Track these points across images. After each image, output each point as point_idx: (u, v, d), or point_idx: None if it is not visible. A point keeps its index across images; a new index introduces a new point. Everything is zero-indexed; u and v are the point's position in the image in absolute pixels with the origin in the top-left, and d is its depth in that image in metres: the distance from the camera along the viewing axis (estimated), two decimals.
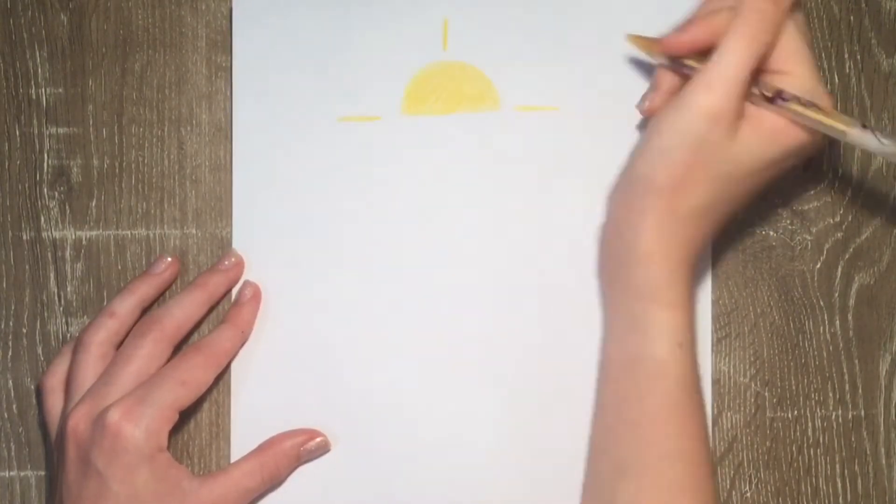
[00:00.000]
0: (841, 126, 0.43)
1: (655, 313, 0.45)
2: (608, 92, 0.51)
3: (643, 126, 0.50)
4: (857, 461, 0.50)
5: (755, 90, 0.44)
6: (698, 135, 0.43)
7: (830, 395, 0.51)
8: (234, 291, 0.51)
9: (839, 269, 0.51)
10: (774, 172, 0.45)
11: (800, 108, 0.43)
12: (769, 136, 0.44)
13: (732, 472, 0.51)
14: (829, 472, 0.50)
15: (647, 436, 0.44)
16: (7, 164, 0.52)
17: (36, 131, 0.52)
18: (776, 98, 0.44)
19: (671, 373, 0.44)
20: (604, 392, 0.47)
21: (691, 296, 0.46)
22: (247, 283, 0.51)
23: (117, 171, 0.52)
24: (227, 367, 0.50)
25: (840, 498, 0.50)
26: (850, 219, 0.51)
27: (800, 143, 0.44)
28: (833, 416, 0.51)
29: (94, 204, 0.52)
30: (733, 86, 0.43)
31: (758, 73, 0.44)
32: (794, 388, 0.51)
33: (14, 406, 0.52)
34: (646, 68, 0.51)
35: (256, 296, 0.50)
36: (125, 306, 0.49)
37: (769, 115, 0.44)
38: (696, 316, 0.46)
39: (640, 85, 0.51)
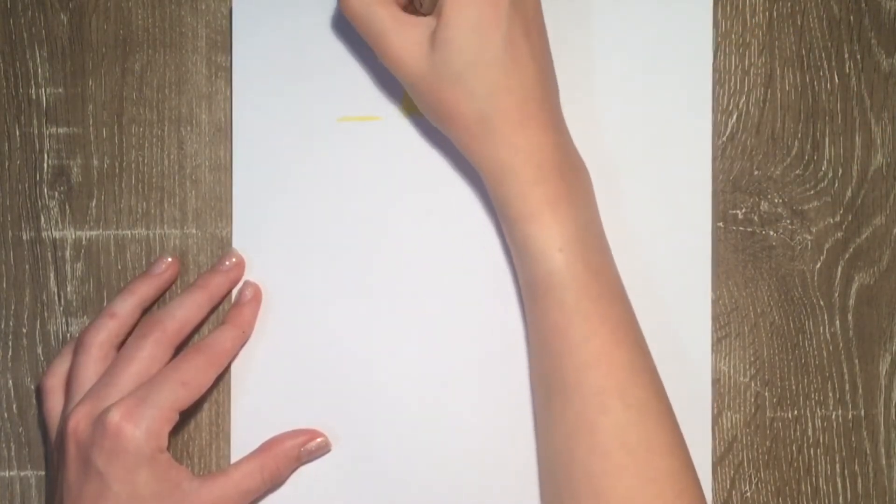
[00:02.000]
0: None
1: (526, 228, 0.45)
2: (607, 92, 0.51)
3: (643, 126, 0.51)
4: (857, 461, 0.50)
5: None
6: (408, 78, 0.46)
7: (830, 394, 0.51)
8: (235, 292, 0.51)
9: (839, 269, 0.51)
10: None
11: None
12: (462, 22, 0.44)
13: (732, 472, 0.51)
14: (829, 471, 0.50)
15: (557, 349, 0.44)
16: (7, 163, 0.52)
17: (36, 131, 0.52)
18: None
19: (558, 282, 0.44)
20: (526, 324, 0.47)
21: (565, 193, 0.45)
22: (247, 283, 0.51)
23: (117, 170, 0.52)
24: (228, 367, 0.50)
25: (840, 498, 0.50)
26: (850, 219, 0.51)
27: None
28: (833, 416, 0.51)
29: (94, 204, 0.52)
30: (380, 37, 0.46)
31: None
32: (794, 387, 0.51)
33: (14, 406, 0.52)
34: (646, 69, 0.51)
35: (257, 296, 0.50)
36: (126, 307, 0.49)
37: None
38: (585, 217, 0.45)
39: (641, 85, 0.51)
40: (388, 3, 0.46)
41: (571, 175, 0.46)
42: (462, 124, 0.46)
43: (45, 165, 0.52)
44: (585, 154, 0.50)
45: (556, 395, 0.44)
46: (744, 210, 0.51)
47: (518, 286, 0.49)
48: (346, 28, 0.51)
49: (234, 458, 0.51)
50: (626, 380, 0.43)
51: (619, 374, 0.43)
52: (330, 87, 0.51)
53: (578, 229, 0.45)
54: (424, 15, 0.46)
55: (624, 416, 0.43)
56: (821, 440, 0.51)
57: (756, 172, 0.51)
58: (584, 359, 0.43)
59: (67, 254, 0.52)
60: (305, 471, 0.50)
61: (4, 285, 0.52)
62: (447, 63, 0.45)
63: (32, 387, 0.52)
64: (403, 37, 0.45)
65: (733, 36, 0.51)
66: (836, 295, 0.51)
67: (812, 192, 0.51)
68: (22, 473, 0.52)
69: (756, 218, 0.51)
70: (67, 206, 0.52)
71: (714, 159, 0.51)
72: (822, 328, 0.51)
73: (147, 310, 0.50)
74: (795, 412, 0.51)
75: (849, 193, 0.51)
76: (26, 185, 0.52)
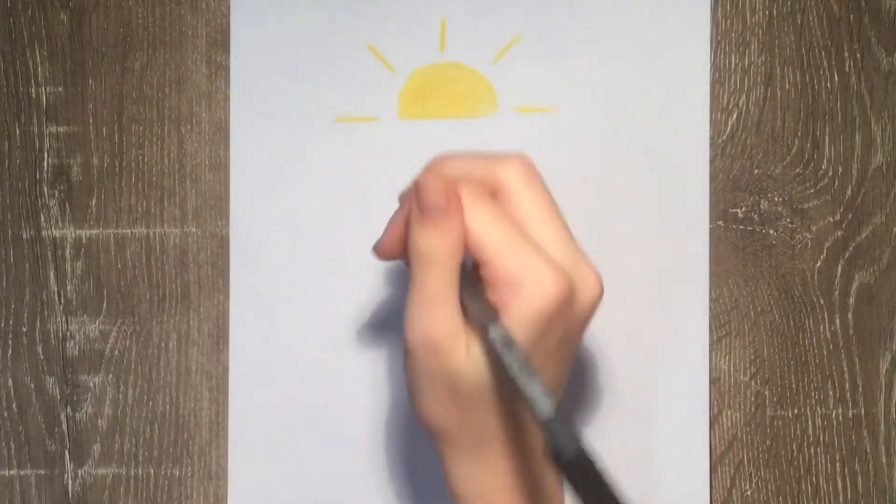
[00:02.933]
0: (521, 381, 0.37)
1: None
2: (607, 92, 0.51)
3: (642, 127, 0.51)
4: (857, 460, 0.50)
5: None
6: (432, 370, 0.39)
7: (831, 393, 0.51)
8: None
9: (839, 268, 0.51)
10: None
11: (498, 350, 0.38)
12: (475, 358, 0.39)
13: (732, 471, 0.51)
14: (829, 470, 0.50)
15: None
16: (7, 162, 0.52)
17: (36, 130, 0.52)
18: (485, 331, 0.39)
19: None
20: None
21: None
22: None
23: (117, 169, 0.52)
24: (227, 367, 0.50)
25: (840, 496, 0.50)
26: (850, 217, 0.51)
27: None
28: (833, 415, 0.51)
29: (93, 203, 0.52)
30: (422, 309, 0.39)
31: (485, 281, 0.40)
32: (794, 386, 0.51)
33: (14, 405, 0.52)
34: (644, 68, 0.51)
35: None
36: None
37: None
38: None
39: (638, 85, 0.51)
40: (458, 271, 0.40)
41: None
42: (445, 427, 0.41)
43: (45, 164, 0.52)
44: (582, 152, 0.50)
45: None
46: (744, 209, 0.51)
47: None
48: (344, 28, 0.51)
49: (233, 458, 0.51)
50: None
51: None
52: (328, 87, 0.51)
53: None
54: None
55: None
56: (821, 439, 0.51)
57: (756, 171, 0.51)
58: None
59: (67, 253, 0.52)
60: (305, 471, 0.50)
61: (4, 284, 0.52)
62: (473, 388, 0.40)
63: (32, 386, 0.52)
64: (454, 323, 0.39)
65: (733, 35, 0.51)
66: (837, 293, 0.51)
67: (812, 190, 0.51)
68: (22, 473, 0.52)
69: (756, 217, 0.51)
70: (67, 205, 0.52)
71: (714, 158, 0.51)
72: (822, 327, 0.51)
73: None
74: (795, 411, 0.51)
75: (849, 192, 0.51)
76: (26, 184, 0.52)
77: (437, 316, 0.39)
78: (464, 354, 0.39)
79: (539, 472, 0.41)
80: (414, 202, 0.40)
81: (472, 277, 0.41)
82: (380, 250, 0.43)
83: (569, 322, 0.40)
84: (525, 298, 0.38)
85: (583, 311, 0.40)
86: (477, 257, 0.39)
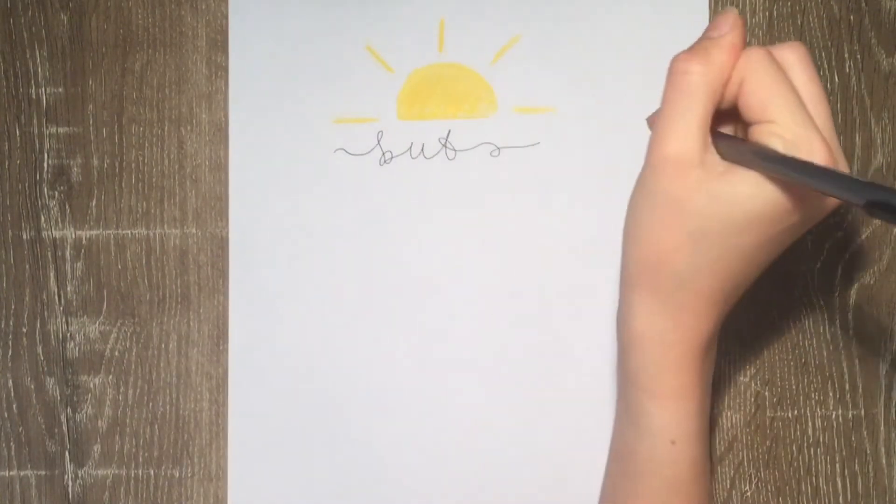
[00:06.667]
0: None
1: (646, 404, 0.42)
2: (606, 92, 0.51)
3: (642, 127, 0.51)
4: (857, 460, 0.50)
5: (740, 147, 0.40)
6: (663, 190, 0.40)
7: (830, 394, 0.51)
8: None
9: (839, 269, 0.51)
10: (768, 236, 0.40)
11: (778, 168, 0.38)
12: (749, 190, 0.39)
13: (732, 472, 0.51)
14: (829, 471, 0.50)
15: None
16: (7, 163, 0.52)
17: (36, 131, 0.52)
18: (755, 157, 0.39)
19: (660, 472, 0.42)
20: (605, 481, 0.45)
21: (696, 384, 0.42)
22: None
23: (117, 170, 0.52)
24: (227, 367, 0.50)
25: (840, 497, 0.50)
26: (850, 218, 0.51)
27: (784, 204, 0.39)
28: (833, 416, 0.51)
29: (94, 203, 0.52)
30: (684, 133, 0.39)
31: (744, 125, 0.41)
32: (794, 387, 0.51)
33: (14, 406, 0.52)
34: (643, 68, 0.51)
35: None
36: None
37: (748, 170, 0.39)
38: (705, 405, 0.42)
39: (638, 85, 0.51)
40: (714, 104, 0.40)
41: (707, 364, 0.43)
42: (649, 262, 0.41)
43: (45, 165, 0.52)
44: (581, 152, 0.50)
45: None
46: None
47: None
48: (342, 29, 0.51)
49: (233, 458, 0.51)
50: None
51: None
52: (327, 88, 0.51)
53: (695, 421, 0.42)
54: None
55: None
56: (821, 440, 0.50)
57: None
58: None
59: (67, 253, 0.52)
60: (305, 472, 0.50)
61: (4, 285, 0.52)
62: (699, 213, 0.39)
63: (32, 386, 0.52)
64: (691, 148, 0.40)
65: None
66: (837, 294, 0.51)
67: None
68: (22, 473, 0.52)
69: None
70: (67, 206, 0.52)
71: None
72: (822, 328, 0.51)
73: None
74: (795, 412, 0.51)
75: None
76: (26, 185, 0.52)
77: (676, 134, 0.39)
78: (693, 180, 0.39)
79: (713, 343, 0.42)
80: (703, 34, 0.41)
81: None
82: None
83: (803, 214, 0.40)
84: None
85: (819, 210, 0.41)
86: (754, 115, 0.40)
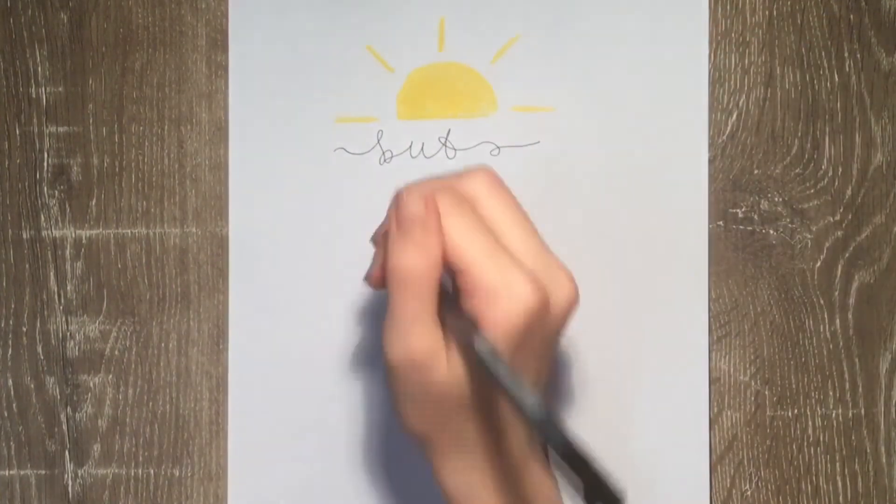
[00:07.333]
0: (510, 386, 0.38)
1: None
2: (606, 92, 0.51)
3: (641, 127, 0.51)
4: (857, 460, 0.50)
5: (450, 322, 0.41)
6: (417, 383, 0.41)
7: (830, 393, 0.51)
8: None
9: (839, 268, 0.51)
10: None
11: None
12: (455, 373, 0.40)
13: (732, 471, 0.51)
14: (829, 470, 0.50)
15: None
16: (7, 162, 0.52)
17: (36, 130, 0.52)
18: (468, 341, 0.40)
19: None
20: None
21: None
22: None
23: (117, 169, 0.52)
24: (226, 367, 0.50)
25: (840, 496, 0.50)
26: (850, 217, 0.51)
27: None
28: (833, 415, 0.51)
29: (93, 203, 0.52)
30: (423, 332, 0.40)
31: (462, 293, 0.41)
32: (794, 386, 0.51)
33: (14, 405, 0.52)
34: (643, 68, 0.51)
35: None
36: None
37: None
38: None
39: (638, 85, 0.51)
40: (436, 288, 0.41)
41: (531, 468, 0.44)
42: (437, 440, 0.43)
43: (45, 164, 0.52)
44: (581, 152, 0.50)
45: None
46: (744, 209, 0.51)
47: None
48: (343, 29, 0.51)
49: (233, 458, 0.51)
50: None
51: None
52: (327, 87, 0.51)
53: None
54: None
55: None
56: (821, 439, 0.50)
57: (756, 171, 0.51)
58: None
59: (67, 253, 0.52)
60: (305, 472, 0.50)
61: (4, 284, 0.52)
62: (458, 396, 0.41)
63: (32, 386, 0.52)
64: (436, 339, 0.41)
65: (733, 35, 0.51)
66: (837, 293, 0.51)
67: (812, 190, 0.51)
68: (22, 473, 0.52)
69: (756, 217, 0.51)
70: (67, 205, 0.52)
71: (714, 158, 0.51)
72: (822, 327, 0.51)
73: None
74: (795, 411, 0.51)
75: (849, 192, 0.51)
76: (26, 184, 0.52)
77: (417, 334, 0.40)
78: (445, 368, 0.40)
79: (523, 466, 0.42)
80: (393, 221, 0.41)
81: (452, 289, 0.42)
82: (372, 280, 0.44)
83: (546, 325, 0.41)
84: (502, 309, 0.39)
85: (559, 313, 0.42)
86: (455, 266, 0.40)
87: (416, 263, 0.40)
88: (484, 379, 0.40)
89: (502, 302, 0.39)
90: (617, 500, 0.35)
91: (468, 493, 0.42)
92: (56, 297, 0.52)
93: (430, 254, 0.40)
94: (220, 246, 0.52)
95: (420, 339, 0.40)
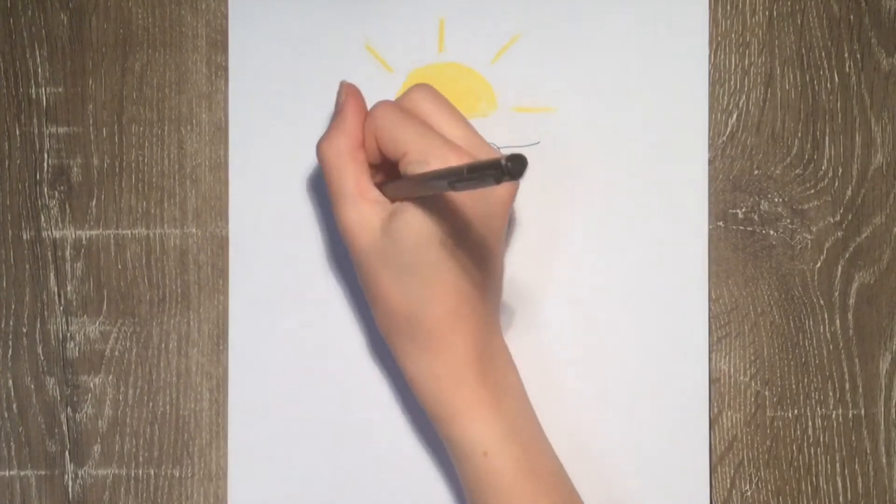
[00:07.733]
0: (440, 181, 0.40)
1: (448, 431, 0.45)
2: (606, 93, 0.51)
3: (642, 127, 0.51)
4: (857, 460, 0.50)
5: (398, 185, 0.44)
6: (362, 251, 0.44)
7: (831, 394, 0.51)
8: None
9: (839, 268, 0.51)
10: (458, 241, 0.43)
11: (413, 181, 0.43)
12: (411, 214, 0.43)
13: (732, 471, 0.51)
14: (829, 471, 0.50)
15: None
16: (7, 163, 0.52)
17: (36, 131, 0.52)
18: (408, 186, 0.43)
19: (489, 484, 0.44)
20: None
21: (485, 394, 0.44)
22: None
23: (117, 170, 0.52)
24: (226, 367, 0.50)
25: (840, 497, 0.50)
26: (850, 218, 0.51)
27: (446, 211, 0.43)
28: (833, 415, 0.51)
29: (94, 203, 0.52)
30: (349, 201, 0.45)
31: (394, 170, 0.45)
32: (794, 387, 0.51)
33: (14, 405, 0.52)
34: (643, 68, 0.51)
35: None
36: None
37: (405, 200, 0.44)
38: (508, 407, 0.45)
39: (638, 85, 0.51)
40: (360, 165, 0.45)
41: (495, 377, 0.45)
42: (390, 314, 0.45)
43: (45, 165, 0.52)
44: (581, 152, 0.50)
45: None
46: (744, 209, 0.51)
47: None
48: (343, 29, 0.51)
49: (233, 458, 0.51)
50: None
51: None
52: (327, 87, 0.51)
53: (504, 429, 0.44)
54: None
55: None
56: (821, 439, 0.50)
57: (756, 172, 0.51)
58: None
59: (67, 253, 0.52)
60: (305, 472, 0.50)
61: (4, 285, 0.52)
62: (391, 255, 0.44)
63: (32, 386, 0.52)
64: (359, 210, 0.45)
65: (733, 35, 0.51)
66: (837, 294, 0.51)
67: (812, 191, 0.51)
68: (22, 473, 0.52)
69: (756, 217, 0.51)
70: (67, 206, 0.52)
71: (714, 159, 0.51)
72: (822, 327, 0.51)
73: None
74: (795, 411, 0.51)
75: (849, 193, 0.51)
76: (26, 185, 0.52)
77: (344, 205, 0.45)
78: (373, 233, 0.44)
79: (492, 351, 0.46)
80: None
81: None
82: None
83: (480, 208, 0.44)
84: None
85: (495, 197, 0.44)
86: (394, 155, 0.44)
87: (330, 143, 0.45)
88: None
89: (432, 166, 0.42)
90: (515, 161, 0.35)
91: (436, 388, 0.45)
92: (56, 297, 0.52)
93: (348, 134, 0.45)
94: (220, 246, 0.52)
95: (346, 211, 0.45)
